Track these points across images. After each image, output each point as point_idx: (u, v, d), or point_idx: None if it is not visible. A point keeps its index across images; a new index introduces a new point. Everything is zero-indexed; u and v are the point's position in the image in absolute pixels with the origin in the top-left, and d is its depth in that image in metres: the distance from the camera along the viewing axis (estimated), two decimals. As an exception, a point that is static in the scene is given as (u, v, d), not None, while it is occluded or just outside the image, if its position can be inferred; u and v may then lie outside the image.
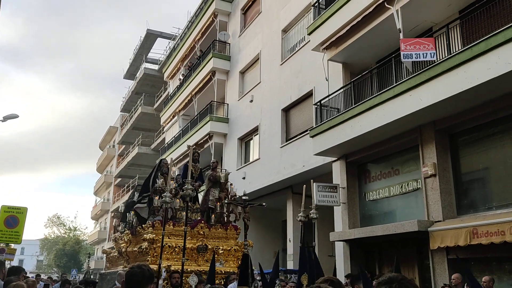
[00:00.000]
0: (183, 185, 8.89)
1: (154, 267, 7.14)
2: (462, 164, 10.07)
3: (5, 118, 16.31)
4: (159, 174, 8.81)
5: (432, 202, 9.91)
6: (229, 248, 8.41)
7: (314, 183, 12.19)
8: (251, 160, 18.66)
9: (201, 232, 8.19)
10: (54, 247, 51.97)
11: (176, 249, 7.81)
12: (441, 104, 9.14)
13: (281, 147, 16.20)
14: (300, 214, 7.42)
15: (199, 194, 9.88)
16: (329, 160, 13.20)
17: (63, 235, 53.67)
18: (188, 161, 9.46)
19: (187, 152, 22.27)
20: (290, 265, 15.01)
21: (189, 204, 8.73)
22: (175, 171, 9.35)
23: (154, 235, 7.69)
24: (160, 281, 6.91)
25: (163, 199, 6.66)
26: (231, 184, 9.00)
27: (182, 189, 7.17)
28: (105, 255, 12.92)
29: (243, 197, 6.69)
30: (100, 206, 46.90)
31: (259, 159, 17.70)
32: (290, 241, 15.81)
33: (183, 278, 6.41)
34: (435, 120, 10.03)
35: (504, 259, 8.57)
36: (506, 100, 8.61)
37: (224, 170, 10.55)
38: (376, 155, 11.92)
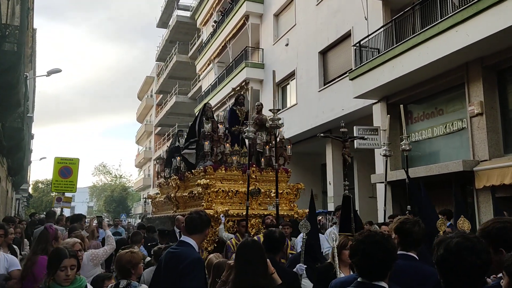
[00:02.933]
0: (230, 130, 8.91)
1: (209, 211, 7.28)
2: (510, 101, 9.71)
3: (49, 73, 16.82)
4: (204, 118, 8.70)
5: (478, 142, 9.71)
6: (281, 191, 8.19)
7: (355, 126, 12.15)
8: (288, 105, 18.61)
9: (253, 176, 7.97)
10: (102, 194, 54.88)
11: (230, 193, 7.85)
12: (489, 40, 8.71)
13: (319, 91, 16.02)
14: (385, 148, 7.36)
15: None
16: (369, 103, 13.00)
17: (110, 182, 56.39)
18: (233, 105, 9.50)
19: (229, 96, 22.22)
20: (330, 207, 15.30)
21: (237, 148, 8.79)
22: (222, 115, 9.23)
23: (208, 180, 7.69)
24: (221, 226, 7.10)
25: (246, 134, 6.43)
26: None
27: (244, 132, 6.93)
28: (150, 200, 13.53)
29: (341, 130, 5.90)
30: (143, 155, 48.57)
31: (296, 104, 17.62)
32: (330, 183, 16.01)
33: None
34: (483, 56, 9.59)
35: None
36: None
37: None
38: (418, 95, 11.63)
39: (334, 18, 15.32)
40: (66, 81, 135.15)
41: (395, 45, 11.04)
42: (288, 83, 18.90)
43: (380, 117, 12.65)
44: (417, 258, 2.93)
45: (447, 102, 11.08)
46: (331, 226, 6.98)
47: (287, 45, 18.49)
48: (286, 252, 5.76)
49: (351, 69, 12.80)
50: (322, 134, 6.65)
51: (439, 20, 9.67)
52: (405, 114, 12.27)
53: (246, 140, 9.44)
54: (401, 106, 6.90)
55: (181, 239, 3.48)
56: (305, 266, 4.38)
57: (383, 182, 12.24)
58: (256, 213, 7.70)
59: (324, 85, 15.89)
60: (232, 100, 21.11)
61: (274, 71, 5.78)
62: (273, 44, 19.84)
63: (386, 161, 7.30)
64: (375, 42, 12.27)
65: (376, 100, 12.77)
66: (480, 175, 9.20)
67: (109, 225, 14.03)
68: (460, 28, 9.09)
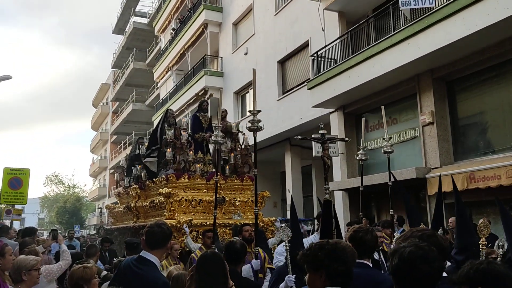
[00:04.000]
0: (193, 137, 8.65)
1: (172, 221, 7.03)
2: (459, 111, 10.20)
3: (-2, 80, 16.06)
4: (166, 125, 8.44)
5: (430, 150, 10.12)
6: (246, 199, 8.09)
7: (313, 135, 12.34)
8: (247, 114, 18.66)
9: (218, 184, 7.76)
10: (54, 205, 52.70)
11: (193, 202, 7.64)
12: (439, 52, 9.14)
13: (278, 100, 16.20)
14: (360, 152, 6.72)
15: (209, 145, 9.61)
16: (326, 112, 13.26)
17: (62, 192, 54.28)
18: (196, 111, 9.31)
19: (188, 104, 21.99)
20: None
21: (201, 155, 8.63)
22: (185, 121, 8.94)
23: (170, 189, 7.43)
24: (188, 238, 6.86)
25: (215, 139, 5.62)
26: (243, 134, 8.58)
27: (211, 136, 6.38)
28: (107, 210, 13.05)
29: (320, 131, 5.50)
30: (98, 164, 47.16)
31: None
32: (289, 191, 16.15)
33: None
34: (433, 68, 10.04)
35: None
36: (503, 46, 8.62)
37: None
38: (373, 105, 11.98)
39: (292, 29, 15.58)
40: (16, 88, 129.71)
41: (351, 56, 11.36)
42: (248, 92, 18.99)
43: (337, 125, 12.93)
44: (371, 265, 3.02)
45: (401, 111, 11.49)
46: (311, 234, 6.81)
47: (246, 54, 18.60)
48: (264, 266, 5.31)
49: (309, 78, 13.04)
50: (299, 137, 6.28)
51: (392, 33, 10.06)
52: (361, 123, 12.67)
53: (211, 147, 9.23)
54: (382, 107, 6.95)
55: (141, 254, 3.21)
56: (294, 275, 4.01)
57: (341, 190, 12.55)
58: (221, 222, 7.52)
59: (283, 94, 16.09)
60: (191, 108, 21.01)
61: (254, 70, 5.39)
62: (232, 53, 19.91)
63: (362, 165, 7.19)
64: (332, 52, 12.58)
65: (334, 109, 13.06)
66: (432, 182, 9.57)
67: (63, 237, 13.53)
68: (412, 41, 9.49)
